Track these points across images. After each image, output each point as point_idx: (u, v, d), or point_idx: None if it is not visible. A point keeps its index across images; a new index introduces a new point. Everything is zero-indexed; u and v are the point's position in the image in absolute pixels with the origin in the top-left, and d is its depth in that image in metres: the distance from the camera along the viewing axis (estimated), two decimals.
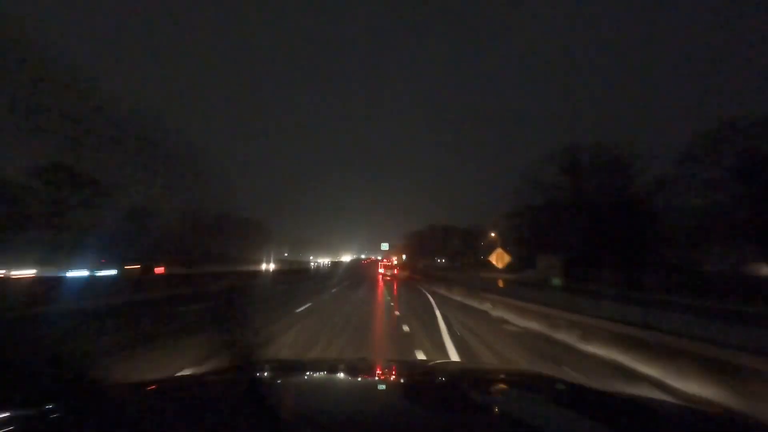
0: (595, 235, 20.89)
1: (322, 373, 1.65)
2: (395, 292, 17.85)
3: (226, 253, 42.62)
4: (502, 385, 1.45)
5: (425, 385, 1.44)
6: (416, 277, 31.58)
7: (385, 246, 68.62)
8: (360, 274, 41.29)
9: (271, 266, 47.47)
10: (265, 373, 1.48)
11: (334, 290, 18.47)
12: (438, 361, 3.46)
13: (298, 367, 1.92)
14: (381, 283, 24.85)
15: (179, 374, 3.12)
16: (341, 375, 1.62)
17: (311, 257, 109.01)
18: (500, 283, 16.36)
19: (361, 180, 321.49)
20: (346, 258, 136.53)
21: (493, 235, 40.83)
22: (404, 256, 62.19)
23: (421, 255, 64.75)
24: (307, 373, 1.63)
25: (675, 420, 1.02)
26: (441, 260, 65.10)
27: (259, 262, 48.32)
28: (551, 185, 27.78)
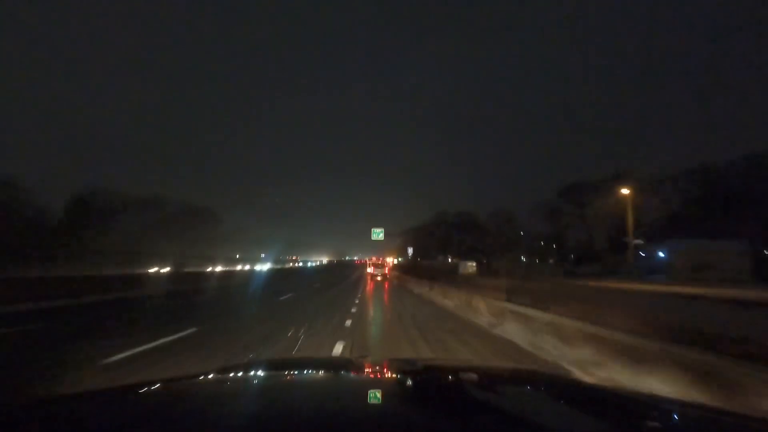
0: None
1: (318, 371, 1.63)
2: None
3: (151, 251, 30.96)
4: (501, 383, 1.38)
5: (424, 383, 1.35)
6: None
7: (378, 233, 36.41)
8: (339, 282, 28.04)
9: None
10: (256, 373, 1.45)
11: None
12: (436, 359, 3.90)
13: (292, 365, 1.85)
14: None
15: (165, 378, 1.77)
16: (338, 373, 1.57)
17: (295, 257, 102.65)
18: None
19: (352, 181, 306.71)
20: (323, 260, 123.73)
21: (626, 191, 26.63)
22: (410, 250, 48.32)
23: (422, 253, 51.47)
24: (303, 372, 1.59)
25: (675, 417, 1.00)
26: (452, 259, 51.35)
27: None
28: None
